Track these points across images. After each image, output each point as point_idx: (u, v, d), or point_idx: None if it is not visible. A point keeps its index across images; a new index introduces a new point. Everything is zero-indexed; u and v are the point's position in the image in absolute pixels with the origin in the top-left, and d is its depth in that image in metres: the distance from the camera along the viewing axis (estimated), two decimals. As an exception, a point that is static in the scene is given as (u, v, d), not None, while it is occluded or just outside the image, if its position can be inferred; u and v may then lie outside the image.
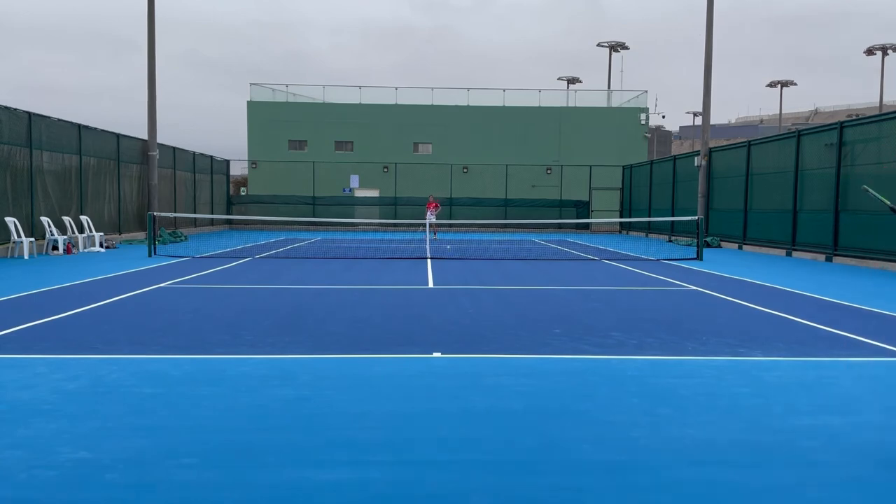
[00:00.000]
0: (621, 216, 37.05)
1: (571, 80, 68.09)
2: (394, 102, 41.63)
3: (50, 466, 3.71)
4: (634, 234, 34.54)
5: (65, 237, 18.27)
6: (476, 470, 3.75)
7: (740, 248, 22.59)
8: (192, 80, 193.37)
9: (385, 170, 39.17)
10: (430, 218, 26.84)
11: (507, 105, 41.84)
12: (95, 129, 22.05)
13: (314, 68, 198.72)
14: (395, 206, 37.92)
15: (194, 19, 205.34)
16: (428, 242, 21.43)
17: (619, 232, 36.95)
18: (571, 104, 42.95)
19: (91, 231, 20.02)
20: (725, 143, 41.52)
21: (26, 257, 16.27)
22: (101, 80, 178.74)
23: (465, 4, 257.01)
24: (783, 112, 72.39)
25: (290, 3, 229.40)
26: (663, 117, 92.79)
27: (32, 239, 17.10)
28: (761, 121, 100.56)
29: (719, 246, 23.49)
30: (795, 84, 69.11)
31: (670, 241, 27.75)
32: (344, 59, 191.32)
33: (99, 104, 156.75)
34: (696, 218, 19.25)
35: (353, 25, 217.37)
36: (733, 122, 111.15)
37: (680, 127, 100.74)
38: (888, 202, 4.91)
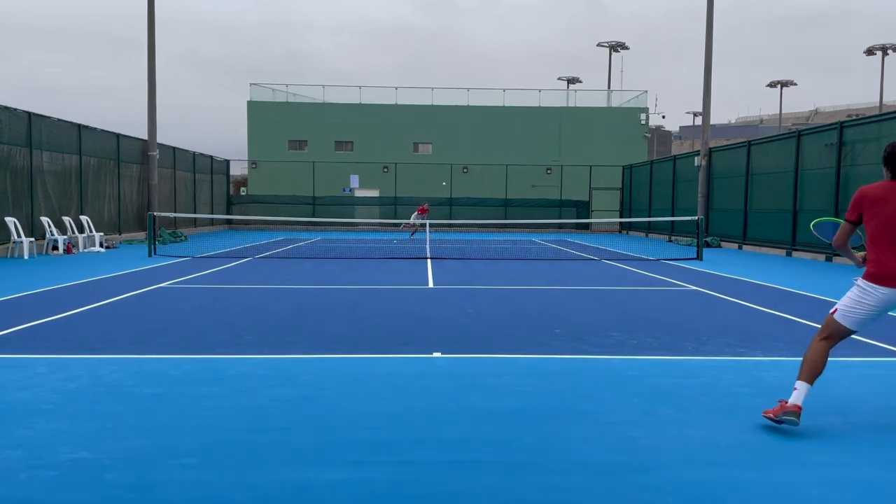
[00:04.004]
0: (621, 216, 37.05)
1: (571, 80, 68.09)
2: (394, 102, 41.63)
3: (50, 466, 3.71)
4: (634, 234, 34.54)
5: (65, 237, 18.27)
6: (476, 470, 3.75)
7: (740, 248, 22.58)
8: (192, 80, 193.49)
9: (385, 170, 39.16)
10: (418, 219, 26.74)
11: (507, 105, 41.84)
12: (95, 129, 22.06)
13: (315, 68, 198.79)
14: (395, 206, 37.92)
15: (194, 19, 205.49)
16: (428, 243, 21.46)
17: (619, 232, 36.94)
18: (571, 104, 42.95)
19: (91, 231, 20.02)
20: (725, 143, 41.52)
21: (26, 257, 16.27)
22: (102, 80, 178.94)
23: (465, 4, 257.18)
24: (783, 112, 72.37)
25: (291, 3, 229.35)
26: (663, 117, 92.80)
27: (32, 239, 17.10)
28: (761, 121, 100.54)
29: (719, 246, 23.49)
30: (795, 84, 69.12)
31: (670, 241, 27.75)
32: (345, 60, 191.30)
33: (99, 104, 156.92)
34: (696, 218, 19.25)
35: (354, 26, 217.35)
36: (733, 122, 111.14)
37: (680, 127, 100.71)
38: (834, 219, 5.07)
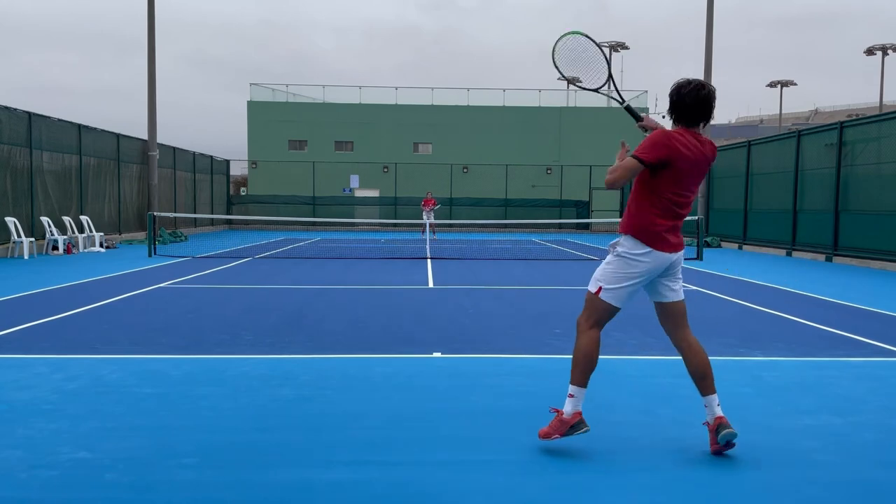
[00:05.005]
0: (621, 216, 37.01)
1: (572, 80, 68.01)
2: (394, 102, 41.63)
3: (50, 466, 3.71)
4: (634, 234, 34.50)
5: (65, 237, 18.27)
6: (476, 470, 3.75)
7: (740, 248, 22.59)
8: (197, 80, 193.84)
9: (385, 170, 39.15)
10: (429, 217, 26.86)
11: (507, 105, 41.84)
12: (95, 129, 22.05)
13: (319, 69, 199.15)
14: (395, 206, 37.92)
15: (200, 20, 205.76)
16: (428, 243, 21.46)
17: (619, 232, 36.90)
18: (571, 104, 42.95)
19: (91, 231, 20.02)
20: (725, 143, 41.52)
21: (26, 257, 16.27)
22: (106, 80, 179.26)
23: (469, 5, 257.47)
24: (783, 112, 72.36)
25: (296, 3, 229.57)
26: (663, 117, 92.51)
27: (32, 239, 17.09)
28: (761, 121, 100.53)
29: (719, 246, 23.48)
30: (795, 84, 69.06)
31: (670, 241, 27.72)
32: (348, 60, 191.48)
33: (103, 104, 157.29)
34: (696, 218, 19.24)
35: (358, 27, 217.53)
36: (733, 122, 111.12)
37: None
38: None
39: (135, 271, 13.71)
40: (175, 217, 27.96)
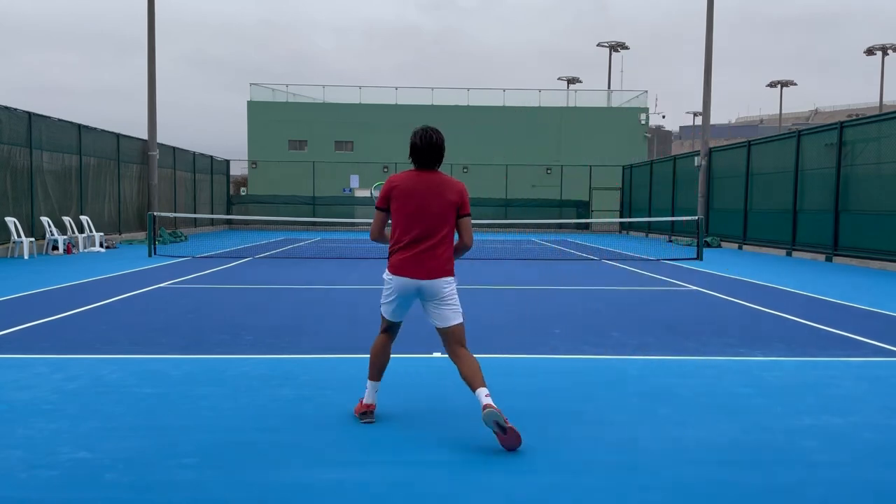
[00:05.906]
0: (621, 216, 37.03)
1: (571, 80, 68.10)
2: (394, 102, 41.63)
3: (50, 466, 3.71)
4: (634, 234, 34.53)
5: (65, 237, 18.26)
6: (476, 470, 3.75)
7: (740, 248, 22.58)
8: (197, 80, 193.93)
9: (385, 170, 39.14)
10: None
11: (507, 105, 41.84)
12: (95, 129, 22.05)
13: (319, 69, 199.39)
14: (395, 206, 37.85)
15: (200, 20, 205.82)
16: None
17: (619, 232, 36.93)
18: (571, 104, 42.96)
19: (91, 231, 20.02)
20: (725, 143, 41.54)
21: (26, 257, 16.26)
22: (107, 80, 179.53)
23: (469, 5, 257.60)
24: (783, 112, 72.37)
25: (296, 3, 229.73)
26: (663, 117, 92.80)
27: (32, 239, 17.09)
28: (761, 121, 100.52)
29: (719, 246, 23.48)
30: (795, 84, 69.10)
31: (670, 241, 27.73)
32: (348, 60, 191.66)
33: (104, 104, 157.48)
34: (697, 218, 19.24)
35: (358, 27, 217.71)
36: (733, 122, 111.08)
37: (680, 127, 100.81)
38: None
39: (135, 271, 13.71)
40: (175, 217, 27.94)
